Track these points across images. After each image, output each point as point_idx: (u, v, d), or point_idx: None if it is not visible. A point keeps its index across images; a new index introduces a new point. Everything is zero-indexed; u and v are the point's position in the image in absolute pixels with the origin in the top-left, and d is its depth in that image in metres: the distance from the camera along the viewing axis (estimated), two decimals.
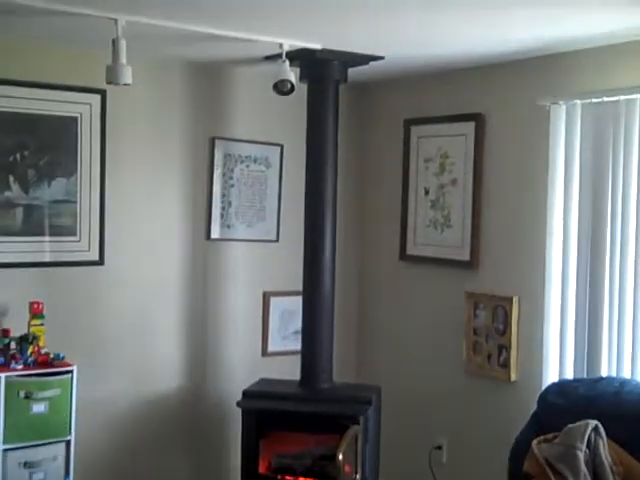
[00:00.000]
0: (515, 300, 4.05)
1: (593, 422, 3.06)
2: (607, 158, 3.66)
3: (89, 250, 4.14)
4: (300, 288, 4.25)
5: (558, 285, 3.90)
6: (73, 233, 4.10)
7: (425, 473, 4.40)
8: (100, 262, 4.17)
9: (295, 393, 4.17)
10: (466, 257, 4.31)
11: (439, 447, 4.43)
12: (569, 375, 3.84)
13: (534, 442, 3.15)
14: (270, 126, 4.65)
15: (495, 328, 4.15)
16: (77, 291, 4.12)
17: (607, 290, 3.67)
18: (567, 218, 3.85)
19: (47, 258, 4.03)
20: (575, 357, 3.89)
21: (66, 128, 4.06)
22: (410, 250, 4.68)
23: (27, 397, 3.69)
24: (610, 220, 3.66)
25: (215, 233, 4.52)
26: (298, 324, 4.34)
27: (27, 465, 3.71)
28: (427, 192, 4.59)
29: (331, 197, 4.21)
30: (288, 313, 4.69)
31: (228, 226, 4.56)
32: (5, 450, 3.66)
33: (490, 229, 4.22)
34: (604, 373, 3.63)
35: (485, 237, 4.24)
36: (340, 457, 3.61)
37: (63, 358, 3.85)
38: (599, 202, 3.70)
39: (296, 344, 4.39)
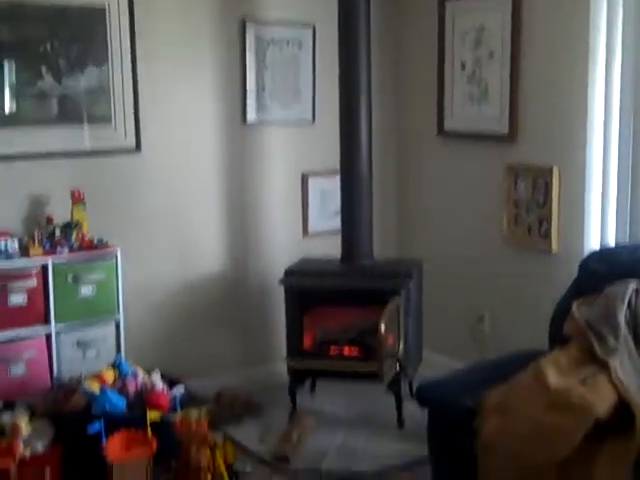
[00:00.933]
0: (555, 170, 4.00)
1: (634, 282, 3.06)
2: None
3: (125, 138, 4.16)
4: (338, 168, 4.25)
5: (599, 152, 3.86)
6: (108, 121, 4.11)
7: (468, 344, 4.47)
8: (137, 149, 4.19)
9: (337, 270, 4.23)
10: (505, 130, 4.25)
11: (481, 318, 4.47)
12: (611, 244, 3.85)
13: (574, 304, 3.16)
14: (301, 6, 4.57)
15: (535, 200, 4.12)
16: (116, 179, 4.16)
17: None
18: (609, 85, 3.79)
19: (85, 147, 4.06)
20: (617, 225, 3.90)
21: (95, 16, 4.02)
22: (448, 125, 4.62)
23: (75, 281, 3.80)
24: None
25: (251, 117, 4.50)
26: (338, 204, 4.35)
27: (80, 344, 3.86)
28: (463, 66, 4.49)
29: (365, 76, 4.16)
30: (327, 193, 4.69)
31: (263, 110, 4.54)
32: (58, 332, 3.81)
33: (529, 101, 4.13)
34: None
35: (523, 110, 4.15)
36: (382, 329, 3.68)
37: (106, 243, 3.93)
38: None
39: (336, 224, 4.40)
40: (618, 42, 3.74)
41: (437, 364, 4.39)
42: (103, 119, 4.09)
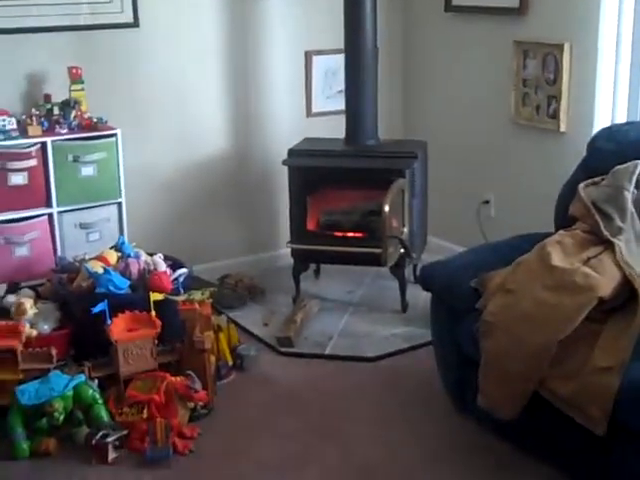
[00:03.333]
0: (566, 47, 3.86)
1: None
2: None
3: (122, 11, 4.01)
4: (343, 46, 4.12)
5: (613, 29, 3.73)
6: None
7: (473, 228, 4.43)
8: (135, 24, 4.05)
9: (340, 150, 4.16)
10: (515, 3, 4.09)
11: (487, 201, 4.43)
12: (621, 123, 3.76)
13: (581, 185, 3.10)
14: None
15: (545, 78, 4.00)
16: (114, 55, 4.04)
17: None
18: None
19: (81, 21, 3.91)
20: (629, 104, 3.79)
21: None
22: (457, 0, 4.45)
23: (75, 160, 3.75)
24: None
25: None
26: (342, 83, 4.23)
27: (82, 226, 3.84)
28: None
29: None
30: (332, 72, 4.57)
31: None
32: (60, 213, 3.79)
33: None
34: None
35: None
36: (386, 209, 3.63)
37: (106, 122, 3.86)
38: None
39: (341, 103, 4.29)
40: None
41: (442, 249, 4.37)
42: None
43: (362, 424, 3.16)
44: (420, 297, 3.86)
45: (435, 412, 3.21)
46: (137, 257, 3.61)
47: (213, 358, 3.37)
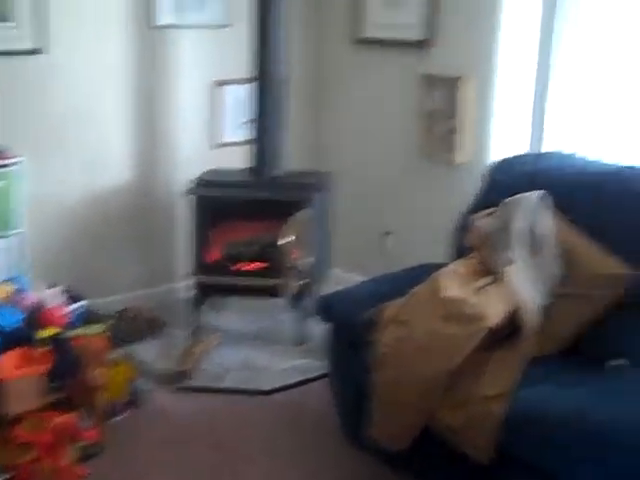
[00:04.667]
0: (467, 80, 3.93)
1: (535, 194, 3.03)
2: None
3: (25, 38, 3.90)
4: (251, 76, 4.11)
5: (511, 62, 3.82)
6: (9, 20, 3.85)
7: (376, 258, 4.44)
8: (39, 51, 3.94)
9: (245, 181, 4.13)
10: (420, 36, 4.15)
11: (389, 232, 4.44)
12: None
13: (475, 216, 3.15)
14: None
15: (447, 110, 4.06)
16: (18, 82, 3.92)
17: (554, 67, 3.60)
18: None
19: None
20: (524, 136, 3.87)
21: None
22: (364, 33, 4.49)
23: None
24: None
25: (161, 19, 4.27)
26: (251, 114, 4.21)
27: None
28: None
29: None
30: (241, 102, 4.54)
31: (174, 11, 4.31)
32: None
33: (446, 8, 4.03)
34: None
35: (441, 16, 4.06)
36: (285, 241, 3.62)
37: (7, 150, 3.75)
38: None
39: (248, 134, 4.27)
40: None
41: (345, 280, 4.32)
42: (3, 18, 3.85)
43: (256, 459, 3.12)
44: (319, 329, 3.84)
45: (330, 445, 3.18)
46: (32, 290, 3.51)
47: (107, 394, 3.28)
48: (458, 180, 4.03)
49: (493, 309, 2.75)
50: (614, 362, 2.79)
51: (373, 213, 4.55)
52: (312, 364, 3.77)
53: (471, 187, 3.55)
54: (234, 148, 4.53)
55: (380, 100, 4.46)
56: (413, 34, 4.17)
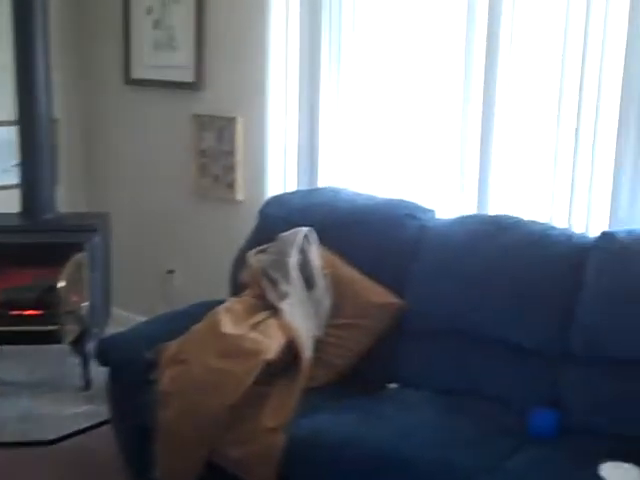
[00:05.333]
0: (239, 120, 4.03)
1: (304, 229, 3.16)
2: None
3: None
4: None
5: (280, 102, 3.93)
6: None
7: (159, 300, 4.42)
8: None
9: (15, 225, 3.99)
10: (191, 78, 4.20)
11: (171, 271, 4.44)
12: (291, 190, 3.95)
13: (250, 253, 3.23)
14: None
15: (221, 149, 4.13)
16: None
17: (322, 103, 3.77)
18: (288, 32, 3.84)
19: None
20: (298, 173, 4.00)
21: None
22: (135, 74, 4.48)
23: None
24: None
25: None
26: (17, 157, 4.08)
27: None
28: (150, 11, 4.37)
29: (41, 20, 3.91)
30: (6, 144, 4.38)
31: None
32: None
33: (214, 49, 4.11)
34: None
35: (209, 57, 4.14)
36: (61, 285, 3.54)
37: None
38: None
39: (15, 178, 4.14)
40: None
41: (128, 321, 4.26)
42: None
43: None
44: (103, 372, 3.76)
45: None
46: None
47: None
48: (238, 217, 4.09)
49: (270, 343, 2.83)
50: (389, 386, 2.97)
51: (155, 253, 4.53)
52: (98, 409, 3.67)
53: (250, 224, 3.63)
54: (4, 192, 4.36)
55: (156, 140, 4.46)
56: (184, 76, 4.21)
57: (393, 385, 2.98)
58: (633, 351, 2.62)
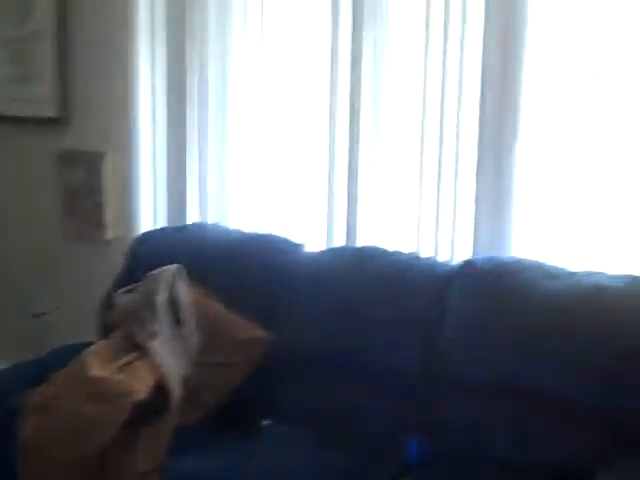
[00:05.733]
0: (107, 156, 3.95)
1: (173, 267, 3.12)
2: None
3: None
4: None
5: (148, 137, 3.84)
6: None
7: (25, 343, 4.26)
8: None
9: None
10: (55, 113, 4.09)
11: (40, 314, 4.29)
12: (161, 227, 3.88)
13: (116, 293, 3.16)
14: None
15: (90, 187, 4.03)
16: None
17: (189, 137, 3.75)
18: (155, 66, 3.79)
19: None
20: (168, 209, 3.94)
21: None
22: None
23: None
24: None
25: None
26: None
27: None
28: (8, 45, 4.23)
29: None
30: None
31: None
32: None
33: (80, 83, 4.03)
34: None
35: (75, 92, 4.04)
36: None
37: None
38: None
39: None
40: (162, 19, 3.75)
41: None
42: None
43: None
44: None
45: None
46: None
47: None
48: (109, 256, 3.97)
49: (139, 384, 2.76)
50: (264, 422, 2.95)
51: (20, 296, 4.35)
52: None
53: (120, 262, 3.55)
54: None
55: (16, 179, 4.30)
56: (47, 111, 4.09)
57: (266, 422, 2.96)
58: (491, 375, 2.70)
